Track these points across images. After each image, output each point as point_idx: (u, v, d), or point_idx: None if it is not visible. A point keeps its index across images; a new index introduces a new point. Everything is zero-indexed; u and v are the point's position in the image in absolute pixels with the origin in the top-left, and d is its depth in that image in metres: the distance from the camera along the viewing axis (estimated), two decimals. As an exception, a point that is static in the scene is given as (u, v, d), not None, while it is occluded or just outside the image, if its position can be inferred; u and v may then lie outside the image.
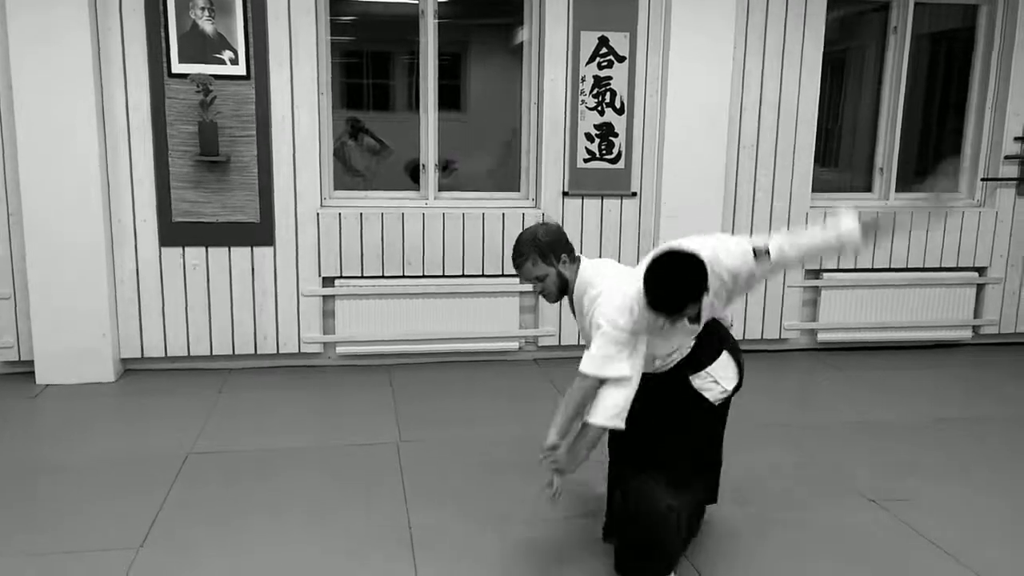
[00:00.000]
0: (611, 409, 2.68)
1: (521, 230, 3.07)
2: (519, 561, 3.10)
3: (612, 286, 2.81)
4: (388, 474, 3.82)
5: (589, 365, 2.74)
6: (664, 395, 2.89)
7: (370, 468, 3.88)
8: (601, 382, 2.73)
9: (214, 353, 5.25)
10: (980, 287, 6.10)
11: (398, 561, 3.07)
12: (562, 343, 5.63)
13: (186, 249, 5.12)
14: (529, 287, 3.50)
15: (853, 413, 4.75)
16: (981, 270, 6.10)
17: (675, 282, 2.55)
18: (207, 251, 5.14)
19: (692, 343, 2.88)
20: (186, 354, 5.23)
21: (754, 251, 2.76)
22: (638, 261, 5.62)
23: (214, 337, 5.23)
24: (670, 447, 2.91)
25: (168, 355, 5.22)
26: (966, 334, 6.12)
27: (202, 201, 5.07)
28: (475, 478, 3.77)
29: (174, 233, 5.08)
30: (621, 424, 2.70)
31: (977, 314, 6.14)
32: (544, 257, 2.91)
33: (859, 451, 4.18)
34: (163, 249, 5.09)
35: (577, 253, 3.00)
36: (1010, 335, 6.24)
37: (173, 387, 5.00)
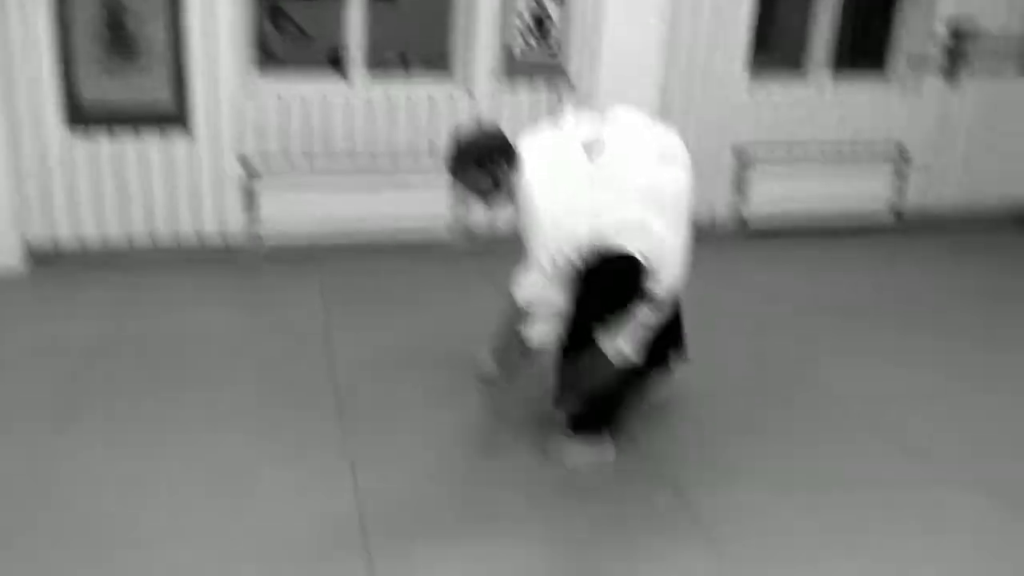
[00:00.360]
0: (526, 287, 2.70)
1: (455, 134, 2.86)
2: (460, 441, 3.13)
3: (547, 222, 2.66)
4: (316, 362, 3.78)
5: (521, 293, 2.77)
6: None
7: (298, 357, 3.84)
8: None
9: (133, 245, 5.06)
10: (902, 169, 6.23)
11: (326, 425, 3.07)
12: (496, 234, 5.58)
13: (97, 135, 4.85)
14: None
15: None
16: (905, 154, 6.21)
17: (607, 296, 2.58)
18: (118, 136, 4.88)
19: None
20: (101, 246, 5.02)
21: None
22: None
23: (132, 227, 5.02)
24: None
25: (82, 247, 5.01)
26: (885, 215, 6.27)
27: (111, 85, 4.78)
28: (407, 366, 3.77)
29: (83, 118, 4.79)
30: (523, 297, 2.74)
31: (899, 196, 6.27)
32: (482, 166, 2.75)
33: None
34: (71, 135, 4.81)
35: (517, 150, 2.79)
36: (930, 215, 6.42)
37: (89, 279, 4.80)
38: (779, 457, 3.09)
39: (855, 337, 4.24)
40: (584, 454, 2.95)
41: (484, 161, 2.75)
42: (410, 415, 3.31)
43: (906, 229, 6.26)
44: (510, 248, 2.81)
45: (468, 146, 2.76)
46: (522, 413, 3.30)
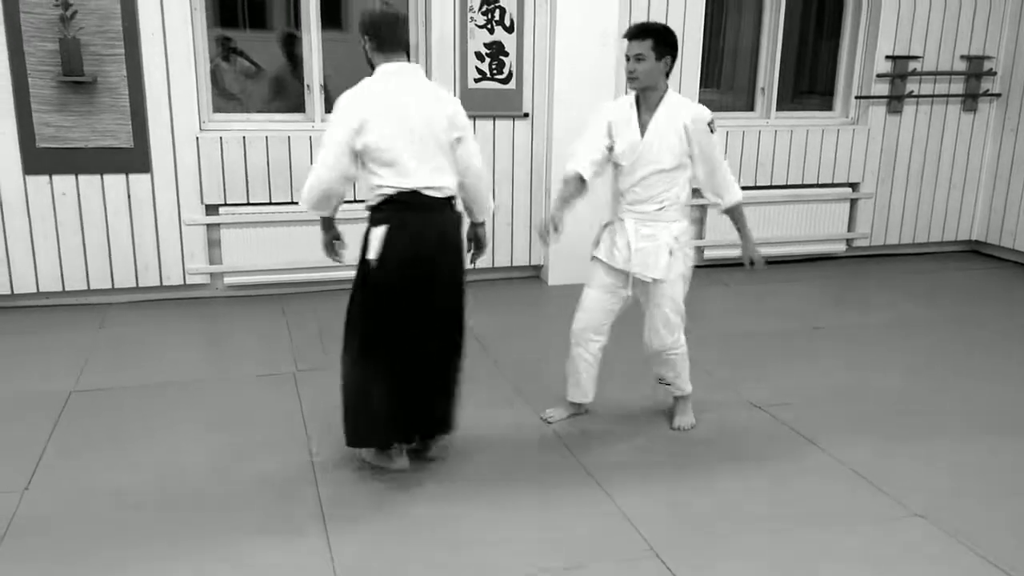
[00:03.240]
0: None
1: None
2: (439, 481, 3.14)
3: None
4: (287, 405, 3.76)
5: None
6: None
7: (267, 401, 3.81)
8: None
9: (91, 287, 4.99)
10: (853, 202, 6.41)
11: (302, 493, 3.06)
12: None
13: (53, 177, 4.79)
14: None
15: (738, 324, 4.97)
16: (854, 185, 6.40)
17: None
18: (77, 179, 4.83)
19: None
20: (61, 289, 4.95)
21: None
22: (531, 186, 5.62)
23: (90, 270, 4.96)
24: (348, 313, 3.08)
25: (41, 290, 4.92)
26: (840, 247, 6.45)
27: (68, 126, 4.74)
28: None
29: (39, 160, 4.73)
30: None
31: (851, 228, 6.46)
32: (364, 33, 3.01)
33: (743, 359, 4.39)
34: (27, 178, 4.75)
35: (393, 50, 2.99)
36: (880, 247, 6.61)
37: (50, 324, 4.74)
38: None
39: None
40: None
41: (363, 33, 3.01)
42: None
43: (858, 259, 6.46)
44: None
45: (364, 15, 3.03)
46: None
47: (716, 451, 3.40)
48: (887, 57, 6.17)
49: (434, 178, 2.94)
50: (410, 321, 2.98)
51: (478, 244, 3.35)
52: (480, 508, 2.94)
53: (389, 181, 2.90)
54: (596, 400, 3.63)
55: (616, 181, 3.37)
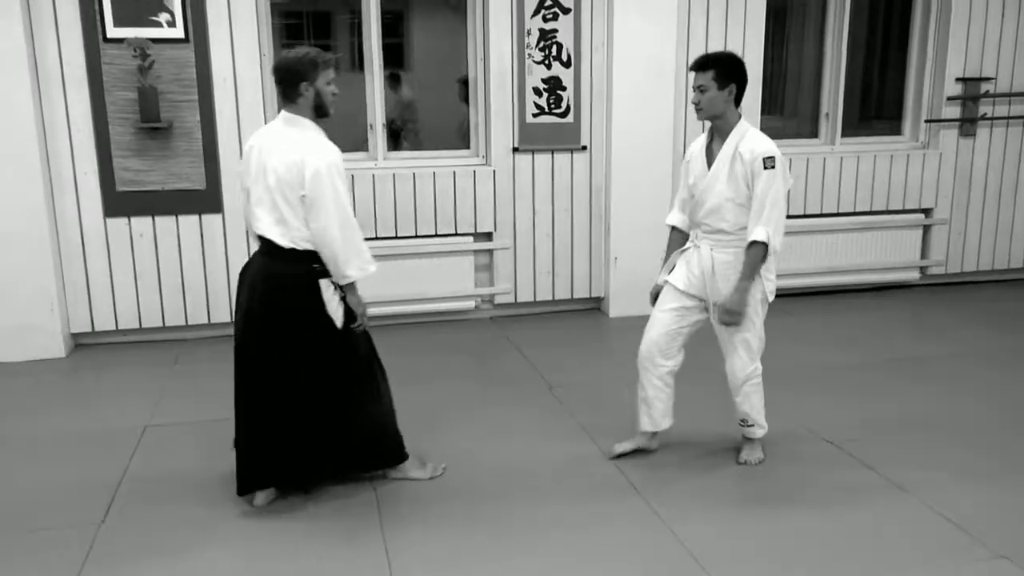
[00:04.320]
0: None
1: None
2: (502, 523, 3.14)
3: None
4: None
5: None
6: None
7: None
8: None
9: (167, 324, 5.17)
10: (927, 228, 6.24)
11: (366, 526, 3.09)
12: (518, 300, 5.65)
13: (132, 219, 5.00)
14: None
15: (806, 356, 4.86)
16: (927, 211, 6.23)
17: None
18: (154, 220, 5.03)
19: None
20: (138, 326, 5.14)
21: None
22: (591, 218, 5.64)
23: (166, 308, 5.14)
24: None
25: (119, 328, 5.13)
26: (913, 275, 6.27)
27: (145, 169, 4.95)
28: (435, 435, 3.80)
29: (118, 203, 4.96)
30: None
31: (924, 255, 6.28)
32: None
33: (811, 391, 4.29)
34: (108, 220, 4.97)
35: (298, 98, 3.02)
36: (956, 275, 6.40)
37: (127, 360, 4.92)
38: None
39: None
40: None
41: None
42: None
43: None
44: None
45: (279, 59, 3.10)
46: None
47: (783, 486, 3.32)
48: (958, 79, 6.01)
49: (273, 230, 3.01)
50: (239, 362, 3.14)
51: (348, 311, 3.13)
52: (537, 538, 2.93)
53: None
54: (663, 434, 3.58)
55: (691, 210, 3.39)
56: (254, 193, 3.02)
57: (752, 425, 3.46)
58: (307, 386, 3.09)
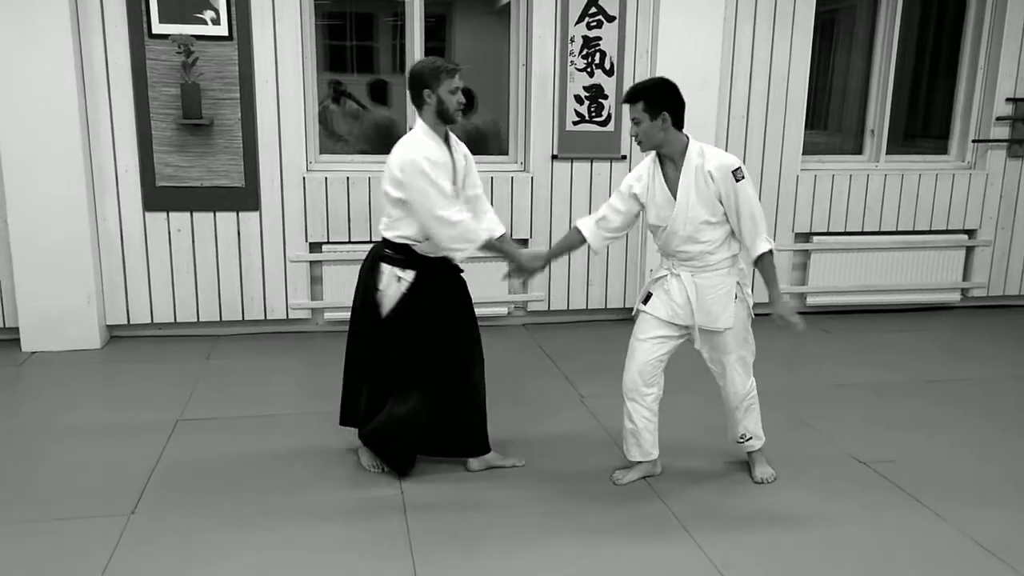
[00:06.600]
0: None
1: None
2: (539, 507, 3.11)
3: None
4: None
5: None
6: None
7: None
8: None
9: (201, 319, 5.21)
10: (969, 250, 6.11)
11: (393, 537, 3.08)
12: (551, 308, 5.62)
13: (170, 214, 5.05)
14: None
15: (843, 375, 4.77)
16: (971, 232, 6.10)
17: None
18: (192, 216, 5.07)
19: None
20: (172, 320, 5.18)
21: None
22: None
23: (201, 303, 5.18)
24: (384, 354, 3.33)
25: (155, 321, 5.17)
26: (954, 297, 6.14)
27: (186, 165, 5.00)
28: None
29: (158, 198, 5.01)
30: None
31: (966, 277, 6.15)
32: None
33: (846, 411, 4.20)
34: (147, 214, 5.02)
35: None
36: (998, 297, 6.26)
37: (160, 353, 4.96)
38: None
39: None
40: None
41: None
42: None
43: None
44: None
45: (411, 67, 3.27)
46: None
47: (815, 507, 3.24)
48: (1008, 100, 5.89)
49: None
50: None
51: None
52: (562, 547, 2.89)
53: None
54: (678, 453, 3.55)
55: (663, 242, 3.28)
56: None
57: (751, 439, 3.44)
58: (377, 357, 3.36)
